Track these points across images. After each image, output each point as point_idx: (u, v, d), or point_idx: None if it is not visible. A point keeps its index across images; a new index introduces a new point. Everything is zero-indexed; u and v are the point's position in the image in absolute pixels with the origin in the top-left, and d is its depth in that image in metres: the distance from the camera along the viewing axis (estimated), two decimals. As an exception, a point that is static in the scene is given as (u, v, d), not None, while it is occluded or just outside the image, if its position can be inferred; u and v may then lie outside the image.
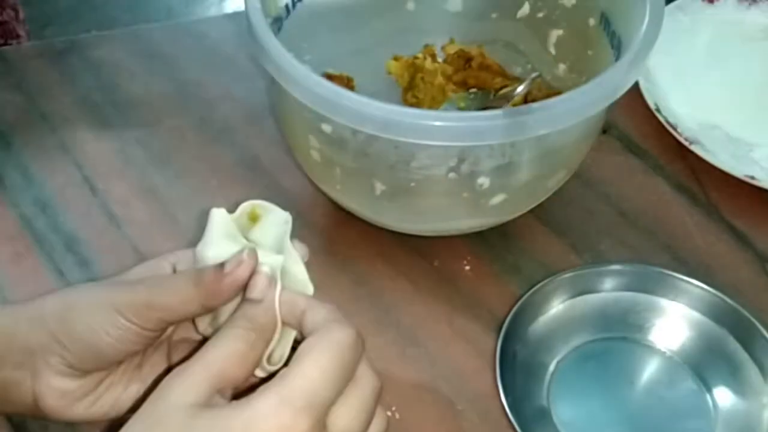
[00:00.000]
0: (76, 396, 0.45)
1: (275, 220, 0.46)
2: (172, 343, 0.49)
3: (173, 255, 0.48)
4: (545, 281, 0.58)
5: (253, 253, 0.43)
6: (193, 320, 0.47)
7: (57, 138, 0.70)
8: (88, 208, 0.65)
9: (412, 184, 0.55)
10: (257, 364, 0.42)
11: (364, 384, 0.40)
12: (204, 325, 0.47)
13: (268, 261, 0.43)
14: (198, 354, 0.40)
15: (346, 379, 0.39)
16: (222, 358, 0.40)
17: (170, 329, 0.48)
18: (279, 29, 0.60)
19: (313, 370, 0.38)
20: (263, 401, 0.37)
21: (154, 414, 0.38)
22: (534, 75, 0.65)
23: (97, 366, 0.45)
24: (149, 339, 0.45)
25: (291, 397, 0.37)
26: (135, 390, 0.47)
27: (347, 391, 0.39)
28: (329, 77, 0.66)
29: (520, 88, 0.64)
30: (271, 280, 0.43)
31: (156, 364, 0.48)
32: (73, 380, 0.45)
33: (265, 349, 0.42)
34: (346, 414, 0.39)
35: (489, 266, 0.63)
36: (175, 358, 0.48)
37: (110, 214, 0.65)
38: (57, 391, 0.45)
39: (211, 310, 0.44)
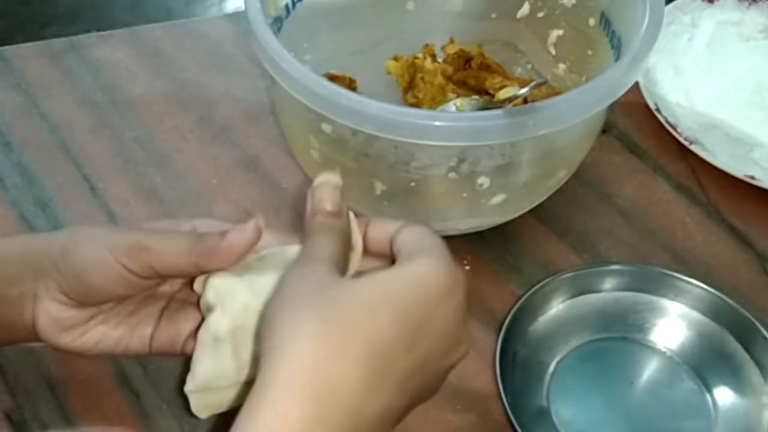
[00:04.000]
0: (66, 325, 0.48)
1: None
2: (171, 303, 0.49)
3: (195, 220, 0.49)
4: (545, 281, 0.58)
5: (257, 228, 0.43)
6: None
7: (57, 138, 0.70)
8: (88, 208, 0.65)
9: (412, 184, 0.55)
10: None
11: None
12: (199, 283, 0.46)
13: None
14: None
15: None
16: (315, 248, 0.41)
17: (167, 287, 0.49)
18: (279, 29, 0.60)
19: (435, 237, 0.42)
20: (424, 261, 0.39)
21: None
22: (539, 81, 0.65)
23: (87, 299, 0.47)
24: (137, 286, 0.46)
25: (443, 255, 0.40)
26: (120, 333, 0.48)
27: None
28: (331, 78, 0.66)
29: (522, 91, 0.64)
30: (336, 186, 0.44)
31: (148, 316, 0.49)
32: (66, 309, 0.47)
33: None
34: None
35: (489, 266, 0.63)
36: (166, 320, 0.49)
37: (110, 214, 0.65)
38: (50, 316, 0.47)
39: (204, 271, 0.44)
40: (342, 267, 0.41)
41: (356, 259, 0.44)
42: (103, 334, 0.48)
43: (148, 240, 0.44)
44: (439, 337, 0.39)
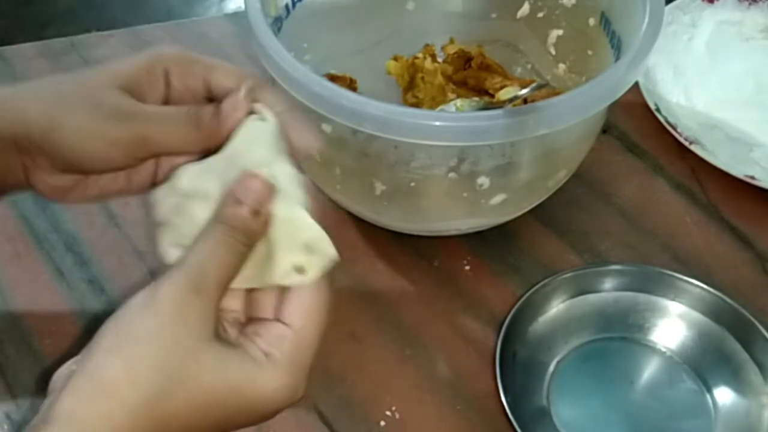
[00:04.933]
0: (66, 189, 0.46)
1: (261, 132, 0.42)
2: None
3: (163, 52, 0.47)
4: (545, 281, 0.58)
5: (249, 93, 0.42)
6: None
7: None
8: (88, 207, 0.65)
9: (412, 184, 0.55)
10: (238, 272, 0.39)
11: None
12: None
13: (276, 170, 0.40)
14: (179, 261, 0.37)
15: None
16: (204, 264, 0.37)
17: None
18: (279, 29, 0.60)
19: (309, 331, 0.39)
20: (270, 376, 0.37)
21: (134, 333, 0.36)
22: (540, 83, 0.65)
23: (81, 171, 0.45)
24: (132, 161, 0.44)
25: (296, 371, 0.38)
26: (121, 183, 0.47)
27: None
28: (332, 78, 0.66)
29: (523, 92, 0.64)
30: (271, 189, 0.39)
31: (147, 166, 0.46)
32: (61, 177, 0.46)
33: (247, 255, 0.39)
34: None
35: (489, 266, 0.63)
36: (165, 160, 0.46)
37: (110, 213, 0.65)
38: (47, 184, 0.46)
39: (207, 150, 0.43)
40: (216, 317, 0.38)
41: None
42: (103, 186, 0.47)
43: (149, 133, 0.42)
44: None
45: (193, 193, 0.41)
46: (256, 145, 0.41)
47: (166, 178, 0.44)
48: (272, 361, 0.37)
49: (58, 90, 0.44)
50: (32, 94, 0.45)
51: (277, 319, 0.39)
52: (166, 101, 0.45)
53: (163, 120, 0.43)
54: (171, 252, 0.41)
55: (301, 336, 0.38)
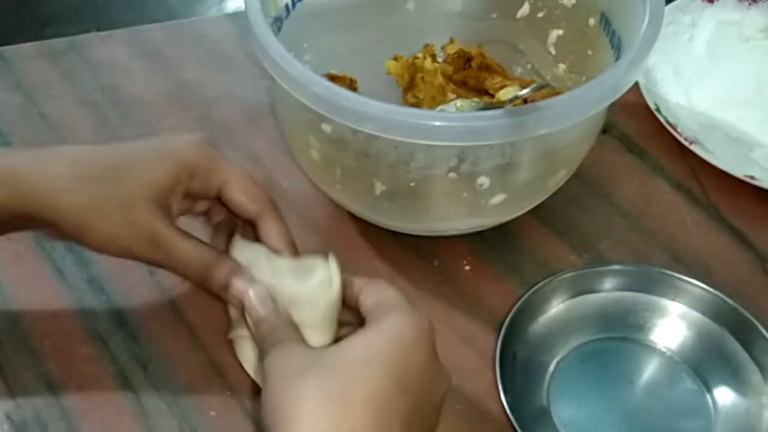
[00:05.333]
0: None
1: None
2: None
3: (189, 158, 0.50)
4: (545, 281, 0.58)
5: (246, 279, 0.48)
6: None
7: (57, 138, 0.70)
8: (88, 208, 0.65)
9: (412, 184, 0.55)
10: None
11: None
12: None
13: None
14: None
15: None
16: None
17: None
18: (279, 29, 0.60)
19: (393, 291, 0.46)
20: (392, 317, 0.44)
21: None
22: (540, 84, 0.64)
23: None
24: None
25: (407, 307, 0.45)
26: None
27: None
28: (332, 78, 0.66)
29: (523, 92, 0.64)
30: (264, 299, 0.47)
31: None
32: None
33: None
34: None
35: (489, 266, 0.63)
36: None
37: (110, 214, 0.65)
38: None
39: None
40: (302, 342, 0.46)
41: (333, 302, 0.48)
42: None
43: (167, 260, 0.49)
44: (423, 377, 0.43)
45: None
46: (313, 306, 0.48)
47: None
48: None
49: (94, 195, 0.47)
50: (68, 192, 0.48)
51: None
52: (186, 195, 0.51)
53: (183, 260, 0.49)
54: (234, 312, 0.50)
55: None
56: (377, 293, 0.46)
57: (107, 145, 0.51)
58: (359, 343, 0.43)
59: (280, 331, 0.46)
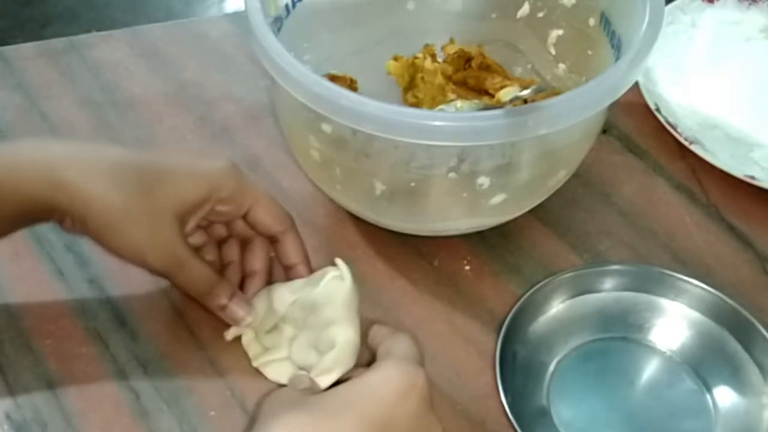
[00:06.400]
0: None
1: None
2: None
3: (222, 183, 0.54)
4: (545, 281, 0.58)
5: (243, 305, 0.54)
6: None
7: (57, 138, 0.70)
8: (88, 208, 0.65)
9: (412, 184, 0.55)
10: None
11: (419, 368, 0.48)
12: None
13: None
14: None
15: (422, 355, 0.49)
16: None
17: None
18: (279, 29, 0.60)
19: (405, 343, 0.48)
20: (382, 368, 0.45)
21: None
22: (542, 86, 0.64)
23: None
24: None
25: (404, 360, 0.46)
26: None
27: None
28: (332, 78, 0.66)
29: (524, 93, 0.64)
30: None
31: None
32: None
33: None
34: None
35: (489, 266, 0.63)
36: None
37: (110, 214, 0.65)
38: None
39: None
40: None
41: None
42: None
43: (184, 279, 0.52)
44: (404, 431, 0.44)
45: (285, 315, 0.55)
46: (331, 302, 0.52)
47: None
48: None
49: (128, 199, 0.49)
50: (105, 192, 0.49)
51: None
52: (210, 213, 0.54)
53: (192, 278, 0.52)
54: (253, 346, 0.56)
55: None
56: (392, 344, 0.49)
57: (145, 152, 0.54)
58: (344, 390, 0.44)
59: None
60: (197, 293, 0.54)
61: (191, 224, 0.53)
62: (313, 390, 0.50)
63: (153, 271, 0.53)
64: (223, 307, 0.54)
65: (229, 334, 0.56)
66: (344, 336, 0.51)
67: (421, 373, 0.45)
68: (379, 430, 0.42)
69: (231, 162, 0.54)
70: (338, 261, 0.54)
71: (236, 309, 0.54)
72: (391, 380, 0.44)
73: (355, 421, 0.42)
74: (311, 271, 0.57)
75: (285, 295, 0.55)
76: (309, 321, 0.54)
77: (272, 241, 0.57)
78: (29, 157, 0.50)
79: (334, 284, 0.53)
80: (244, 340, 0.56)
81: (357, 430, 0.42)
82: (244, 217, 0.56)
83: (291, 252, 0.56)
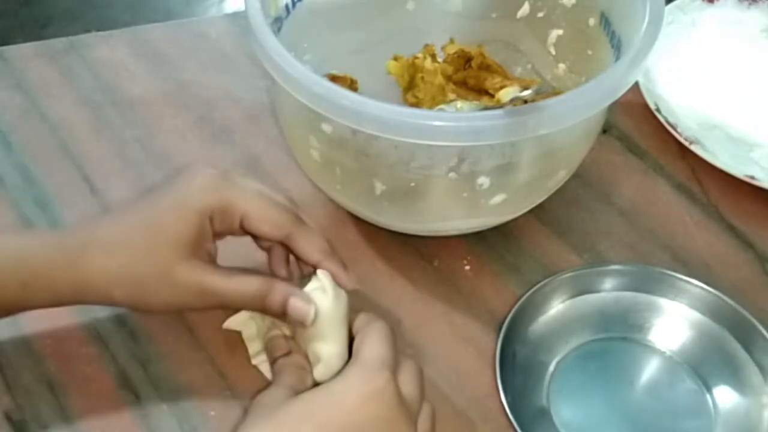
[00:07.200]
0: None
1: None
2: None
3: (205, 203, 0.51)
4: (545, 281, 0.58)
5: (303, 300, 0.50)
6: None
7: (57, 138, 0.70)
8: (88, 207, 0.65)
9: (412, 184, 0.55)
10: None
11: (409, 362, 0.49)
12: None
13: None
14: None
15: (395, 349, 0.48)
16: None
17: None
18: (279, 29, 0.60)
19: (373, 342, 0.47)
20: (347, 375, 0.45)
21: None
22: (543, 88, 0.64)
23: None
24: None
25: (368, 363, 0.46)
26: None
27: (401, 367, 0.47)
28: (333, 78, 0.66)
29: (525, 93, 0.64)
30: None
31: None
32: None
33: None
34: (407, 378, 0.47)
35: (489, 266, 0.63)
36: None
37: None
38: None
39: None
40: (297, 387, 0.49)
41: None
42: None
43: (222, 302, 0.50)
44: None
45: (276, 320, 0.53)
46: (318, 317, 0.50)
47: None
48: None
49: (138, 276, 0.49)
50: (117, 284, 0.50)
51: None
52: (215, 235, 0.52)
53: (236, 298, 0.51)
54: (253, 344, 0.56)
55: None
56: (361, 342, 0.48)
57: (127, 209, 0.52)
58: (308, 397, 0.45)
59: (285, 370, 0.51)
60: (253, 306, 0.51)
61: (212, 248, 0.52)
62: (297, 366, 0.51)
63: (205, 308, 0.52)
64: (285, 309, 0.50)
65: (230, 323, 0.56)
66: (328, 352, 0.51)
67: (385, 374, 0.45)
68: None
69: (212, 174, 0.52)
70: (320, 272, 0.51)
71: (299, 305, 0.50)
72: (353, 387, 0.45)
73: (313, 429, 0.43)
74: (337, 259, 0.53)
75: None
76: (295, 329, 0.53)
77: (284, 244, 0.54)
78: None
79: (316, 297, 0.50)
80: (246, 335, 0.56)
81: None
82: (242, 228, 0.53)
83: (306, 252, 0.53)
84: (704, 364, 0.57)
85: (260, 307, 0.51)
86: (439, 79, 0.67)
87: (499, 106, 0.64)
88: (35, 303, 0.51)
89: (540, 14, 0.69)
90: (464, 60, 0.70)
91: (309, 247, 0.53)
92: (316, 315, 0.50)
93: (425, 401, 0.48)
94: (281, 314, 0.50)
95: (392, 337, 0.48)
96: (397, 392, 0.45)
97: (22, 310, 0.51)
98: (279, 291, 0.50)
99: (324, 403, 0.44)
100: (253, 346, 0.56)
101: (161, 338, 0.57)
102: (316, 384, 0.50)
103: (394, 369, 0.46)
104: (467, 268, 0.63)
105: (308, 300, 0.50)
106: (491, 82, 0.68)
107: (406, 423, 0.45)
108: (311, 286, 0.51)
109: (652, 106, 0.71)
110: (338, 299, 0.51)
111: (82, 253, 0.49)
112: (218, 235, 0.52)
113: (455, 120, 0.49)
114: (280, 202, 0.53)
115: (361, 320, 0.50)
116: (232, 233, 0.53)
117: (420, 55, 0.69)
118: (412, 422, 0.46)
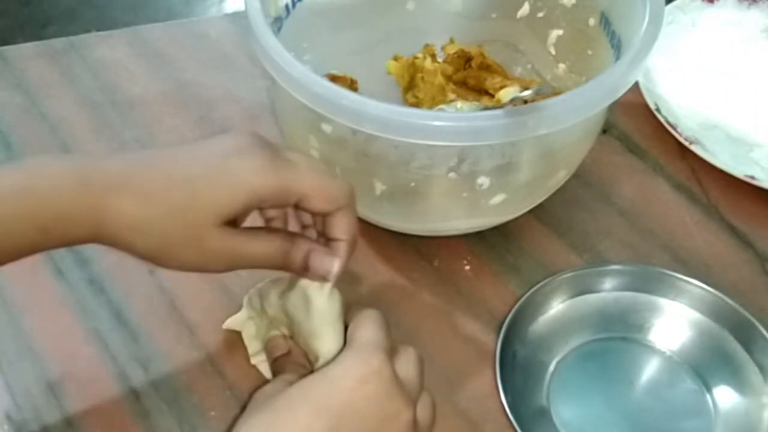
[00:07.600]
0: None
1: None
2: None
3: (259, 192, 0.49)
4: (545, 281, 0.58)
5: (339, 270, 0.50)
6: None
7: (57, 138, 0.70)
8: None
9: (412, 184, 0.55)
10: None
11: (408, 348, 0.49)
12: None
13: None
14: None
15: (388, 334, 0.48)
16: None
17: None
18: (279, 29, 0.60)
19: (367, 327, 0.47)
20: (342, 359, 0.46)
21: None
22: (543, 88, 0.64)
23: None
24: None
25: (363, 346, 0.46)
26: None
27: (399, 353, 0.48)
28: (333, 78, 0.66)
29: (525, 94, 0.64)
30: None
31: None
32: None
33: None
34: (404, 362, 0.47)
35: (489, 266, 0.63)
36: None
37: (110, 214, 0.65)
38: None
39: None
40: (296, 382, 0.48)
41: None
42: None
43: (243, 263, 0.49)
44: (366, 415, 0.44)
45: (274, 318, 0.54)
46: (309, 314, 0.51)
47: None
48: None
49: (165, 233, 0.48)
50: (141, 233, 0.48)
51: None
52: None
53: (260, 259, 0.49)
54: (253, 343, 0.57)
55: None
56: (354, 330, 0.48)
57: (166, 160, 0.50)
58: (306, 383, 0.45)
59: (285, 368, 0.52)
60: (274, 266, 0.50)
61: (243, 216, 0.51)
62: (297, 364, 0.52)
63: (222, 271, 0.50)
64: (306, 266, 0.49)
65: (230, 323, 0.56)
66: (326, 348, 0.50)
67: (379, 355, 0.45)
68: (336, 418, 0.43)
69: (267, 156, 0.48)
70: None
71: (320, 263, 0.49)
72: (348, 369, 0.45)
73: (311, 412, 0.43)
74: (351, 249, 0.51)
75: (272, 297, 0.54)
76: (293, 329, 0.53)
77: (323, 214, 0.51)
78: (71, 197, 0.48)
79: (313, 295, 0.50)
80: (246, 335, 0.56)
81: (313, 420, 0.43)
82: (295, 205, 0.50)
83: (338, 228, 0.50)
84: (704, 364, 0.57)
85: (282, 264, 0.49)
86: (439, 79, 0.67)
87: (499, 106, 0.64)
88: (50, 246, 0.49)
89: (540, 14, 0.69)
90: (464, 60, 0.70)
91: (343, 228, 0.50)
92: (313, 312, 0.50)
93: (426, 392, 0.48)
94: (303, 269, 0.49)
95: (385, 323, 0.49)
96: (393, 373, 0.45)
97: (34, 254, 0.49)
98: (301, 247, 0.49)
99: (321, 387, 0.44)
100: (253, 346, 0.56)
101: (161, 338, 0.57)
102: None
103: (390, 352, 0.46)
104: (467, 268, 0.63)
105: (330, 254, 0.49)
106: (491, 82, 0.68)
107: (404, 404, 0.45)
108: (308, 283, 0.51)
109: (652, 106, 0.71)
110: (333, 296, 0.51)
111: (110, 195, 0.47)
112: (262, 210, 0.53)
113: (455, 120, 0.49)
114: (331, 173, 0.51)
115: (353, 311, 0.51)
116: (279, 208, 0.53)
117: (420, 55, 0.69)
118: (410, 405, 0.45)
